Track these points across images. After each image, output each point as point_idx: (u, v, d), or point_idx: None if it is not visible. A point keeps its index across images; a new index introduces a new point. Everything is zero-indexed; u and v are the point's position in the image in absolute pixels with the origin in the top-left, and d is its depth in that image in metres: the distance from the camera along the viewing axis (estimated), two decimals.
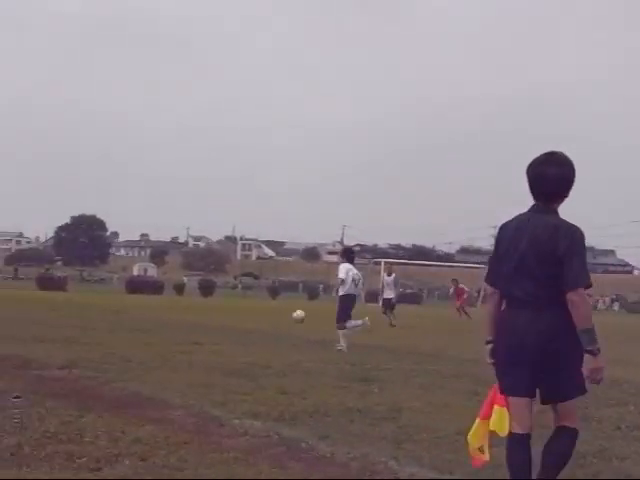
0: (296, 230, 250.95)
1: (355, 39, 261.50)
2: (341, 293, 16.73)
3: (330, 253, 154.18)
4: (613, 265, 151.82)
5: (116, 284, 78.87)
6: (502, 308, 5.23)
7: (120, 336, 16.94)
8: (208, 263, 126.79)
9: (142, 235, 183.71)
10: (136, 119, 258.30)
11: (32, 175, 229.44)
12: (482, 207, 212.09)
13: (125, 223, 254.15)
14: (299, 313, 22.93)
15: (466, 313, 35.94)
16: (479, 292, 64.44)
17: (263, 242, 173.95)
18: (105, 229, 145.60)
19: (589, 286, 4.92)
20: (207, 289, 61.97)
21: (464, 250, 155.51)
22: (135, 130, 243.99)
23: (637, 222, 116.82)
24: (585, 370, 4.92)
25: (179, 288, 62.03)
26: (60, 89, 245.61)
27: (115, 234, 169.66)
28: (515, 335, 5.00)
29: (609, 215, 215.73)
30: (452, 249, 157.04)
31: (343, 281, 16.51)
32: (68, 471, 5.68)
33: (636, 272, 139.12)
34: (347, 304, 16.55)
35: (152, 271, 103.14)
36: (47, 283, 56.94)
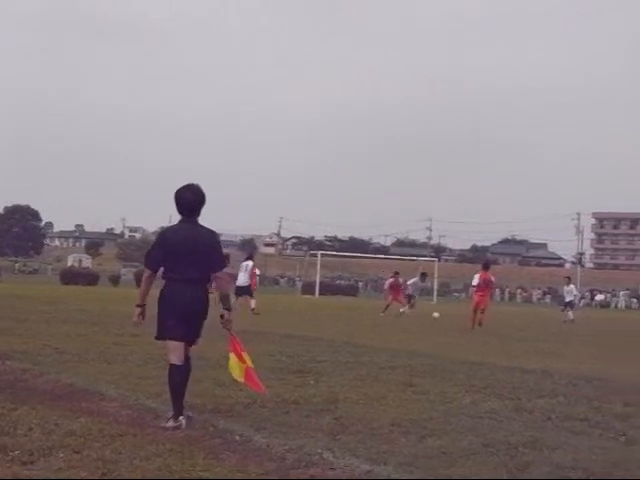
0: (233, 222, 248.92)
1: None
2: None
3: (267, 245, 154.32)
4: (545, 258, 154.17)
5: (50, 275, 77.82)
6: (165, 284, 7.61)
7: (55, 328, 16.73)
8: (144, 254, 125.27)
9: (77, 226, 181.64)
10: (69, 104, 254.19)
11: None
12: (417, 202, 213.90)
13: (60, 214, 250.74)
14: (436, 314, 30.32)
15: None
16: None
17: None
18: (39, 219, 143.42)
19: (225, 266, 7.78)
20: None
21: (399, 242, 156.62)
22: (70, 115, 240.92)
23: (567, 216, 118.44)
24: (224, 321, 7.61)
25: (114, 279, 61.43)
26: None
27: (49, 224, 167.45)
28: (186, 302, 7.39)
29: (541, 210, 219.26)
30: (388, 242, 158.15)
31: None
32: (1, 464, 5.63)
33: (567, 265, 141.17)
34: None
35: (87, 262, 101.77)
36: None
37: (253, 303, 27.57)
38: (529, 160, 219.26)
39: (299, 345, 15.49)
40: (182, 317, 7.41)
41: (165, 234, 7.80)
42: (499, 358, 14.95)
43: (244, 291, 27.93)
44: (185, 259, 7.43)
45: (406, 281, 36.17)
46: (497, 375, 12.11)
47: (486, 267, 26.67)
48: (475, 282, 26.01)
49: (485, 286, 25.78)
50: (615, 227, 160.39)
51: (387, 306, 32.87)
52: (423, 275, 36.25)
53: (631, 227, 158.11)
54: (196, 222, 7.66)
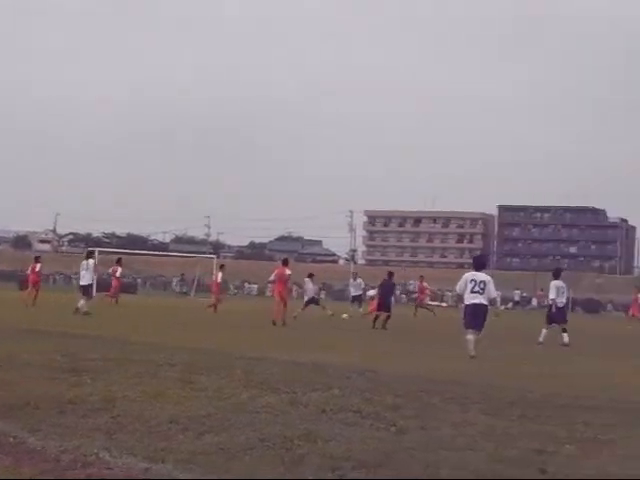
0: (6, 217, 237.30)
1: None
2: None
3: (42, 242, 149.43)
4: (320, 255, 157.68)
5: None
6: None
7: None
8: None
9: None
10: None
11: None
12: (194, 198, 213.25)
13: None
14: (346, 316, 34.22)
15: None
16: (193, 280, 64.99)
17: None
18: None
19: None
20: None
21: (178, 239, 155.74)
22: None
23: (341, 213, 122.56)
24: None
25: None
26: None
27: None
28: None
29: (316, 207, 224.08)
30: (167, 238, 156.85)
31: None
32: None
33: (341, 261, 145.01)
34: None
35: None
36: None
37: (81, 303, 27.18)
38: (305, 160, 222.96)
39: (76, 343, 15.17)
40: None
41: None
42: (278, 353, 15.23)
43: (87, 290, 28.05)
44: None
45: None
46: (274, 369, 12.33)
47: (285, 263, 28.43)
48: (271, 278, 28.46)
49: (279, 280, 27.64)
50: (385, 225, 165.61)
51: (216, 304, 34.20)
52: (311, 276, 36.26)
53: (400, 225, 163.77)
54: None
